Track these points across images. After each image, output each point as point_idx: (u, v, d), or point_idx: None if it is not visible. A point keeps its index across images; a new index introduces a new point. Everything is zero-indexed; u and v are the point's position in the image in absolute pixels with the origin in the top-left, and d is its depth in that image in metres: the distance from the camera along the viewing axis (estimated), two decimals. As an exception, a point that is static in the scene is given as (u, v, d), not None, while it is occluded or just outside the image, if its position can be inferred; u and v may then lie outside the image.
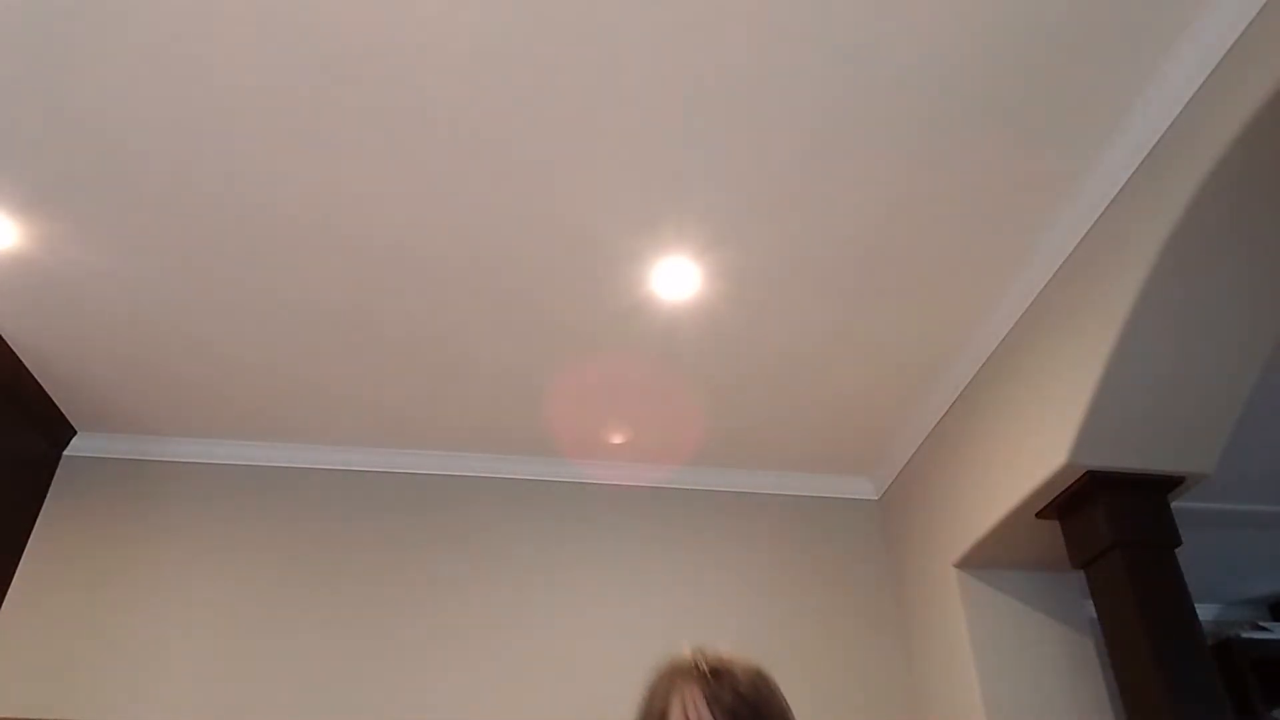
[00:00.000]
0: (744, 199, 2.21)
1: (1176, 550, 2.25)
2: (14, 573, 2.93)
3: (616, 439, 3.21)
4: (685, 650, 1.15)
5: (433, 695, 2.89)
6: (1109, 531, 2.24)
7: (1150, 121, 1.98)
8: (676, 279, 2.45)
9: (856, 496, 3.48)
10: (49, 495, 3.10)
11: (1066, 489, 2.35)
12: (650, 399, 2.98)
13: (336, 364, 2.82)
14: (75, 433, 3.19)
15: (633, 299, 2.53)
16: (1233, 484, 3.35)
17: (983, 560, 2.75)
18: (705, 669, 1.11)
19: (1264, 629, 4.05)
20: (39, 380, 2.91)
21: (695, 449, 3.29)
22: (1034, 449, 2.39)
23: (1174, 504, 2.36)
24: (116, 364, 2.82)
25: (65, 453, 3.18)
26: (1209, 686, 2.05)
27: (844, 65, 1.88)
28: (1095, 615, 2.30)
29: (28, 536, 3.00)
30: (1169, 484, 2.32)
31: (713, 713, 1.06)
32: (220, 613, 2.95)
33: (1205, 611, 4.14)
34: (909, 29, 1.81)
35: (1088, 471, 2.28)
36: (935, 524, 2.95)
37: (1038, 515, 2.47)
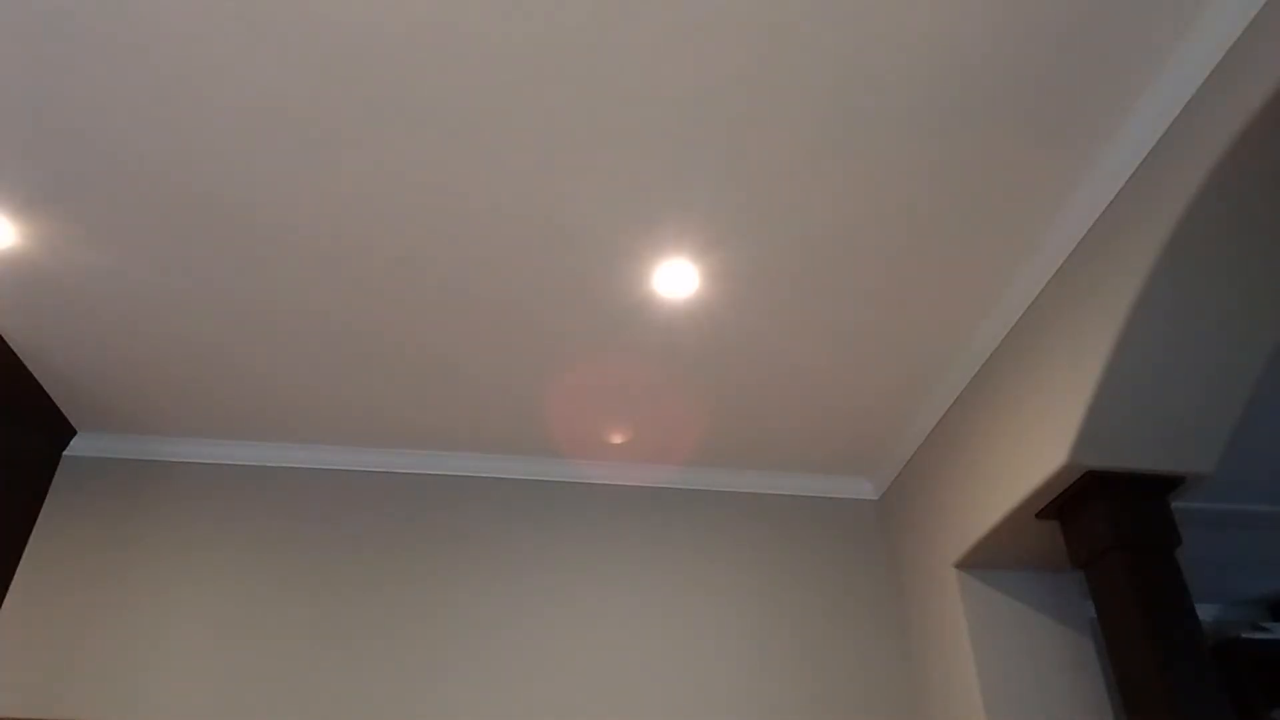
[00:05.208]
0: (744, 199, 2.21)
1: (1176, 550, 2.25)
2: (14, 573, 2.93)
3: (616, 439, 3.22)
4: None
5: (432, 694, 2.89)
6: (1109, 531, 2.24)
7: (1150, 122, 1.98)
8: (676, 279, 2.45)
9: (856, 496, 3.48)
10: (49, 495, 3.10)
11: (1066, 489, 2.35)
12: (650, 399, 2.99)
13: (336, 363, 2.82)
14: (75, 433, 3.19)
15: (633, 299, 2.53)
16: (1233, 484, 3.35)
17: (983, 560, 2.76)
18: None
19: (1264, 629, 4.05)
20: (39, 380, 2.91)
21: (695, 449, 3.29)
22: (1034, 449, 2.39)
23: (1174, 504, 2.35)
24: (116, 364, 2.83)
25: (65, 453, 3.19)
26: (1209, 686, 2.05)
27: (844, 66, 1.89)
28: (1095, 615, 2.30)
29: (28, 536, 3.00)
30: (1169, 484, 2.32)
31: None
32: (220, 612, 2.95)
33: (1205, 611, 4.13)
34: (909, 30, 1.81)
35: (1088, 471, 2.28)
36: (935, 524, 2.95)
37: (1038, 515, 2.47)
